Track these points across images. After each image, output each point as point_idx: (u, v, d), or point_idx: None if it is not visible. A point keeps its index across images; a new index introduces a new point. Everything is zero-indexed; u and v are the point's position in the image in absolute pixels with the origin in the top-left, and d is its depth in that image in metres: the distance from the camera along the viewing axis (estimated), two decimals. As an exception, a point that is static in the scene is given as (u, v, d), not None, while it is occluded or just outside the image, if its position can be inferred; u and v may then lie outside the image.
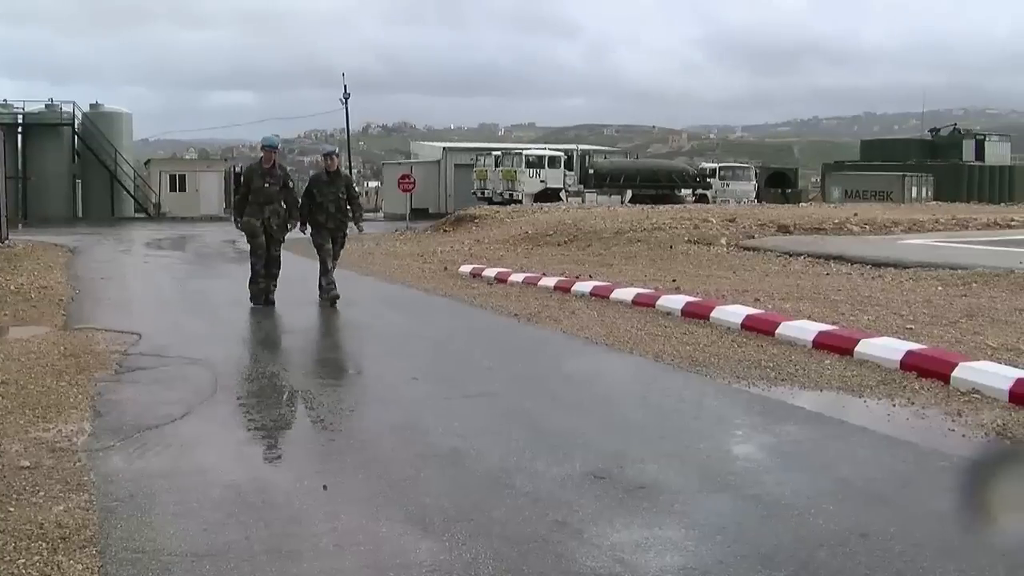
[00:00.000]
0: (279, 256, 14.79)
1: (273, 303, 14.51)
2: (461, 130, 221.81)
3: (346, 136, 68.55)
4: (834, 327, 11.01)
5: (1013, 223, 29.54)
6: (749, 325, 11.60)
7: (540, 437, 7.36)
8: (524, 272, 17.96)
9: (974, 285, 14.84)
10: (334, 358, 10.88)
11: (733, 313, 12.11)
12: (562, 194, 48.66)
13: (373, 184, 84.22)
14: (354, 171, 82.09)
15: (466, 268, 19.36)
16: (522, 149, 54.32)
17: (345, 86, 59.69)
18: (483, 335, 12.42)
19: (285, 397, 9.02)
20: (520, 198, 47.24)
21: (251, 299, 14.62)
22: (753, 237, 24.24)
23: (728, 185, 55.43)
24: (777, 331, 11.11)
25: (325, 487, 6.15)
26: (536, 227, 28.02)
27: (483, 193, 50.57)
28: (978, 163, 58.72)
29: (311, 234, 15.02)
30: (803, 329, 10.93)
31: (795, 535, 5.31)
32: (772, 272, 18.08)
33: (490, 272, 18.32)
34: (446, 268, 20.21)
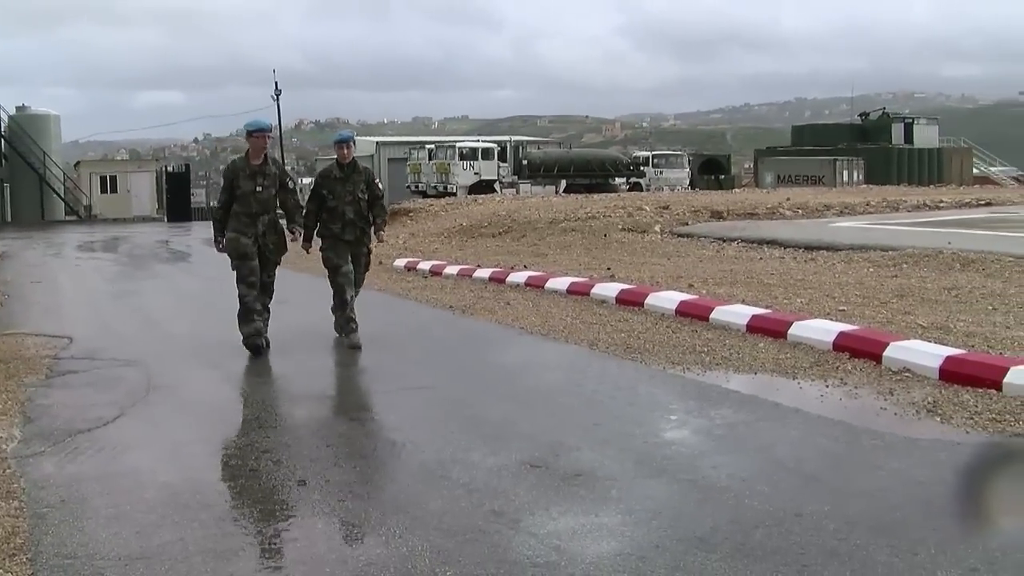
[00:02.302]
0: (273, 283, 11.04)
1: (268, 346, 10.78)
2: (395, 124, 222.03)
3: (279, 133, 67.90)
4: (768, 311, 11.10)
5: (942, 204, 30.02)
6: (683, 311, 11.66)
7: (476, 428, 7.36)
8: (459, 264, 17.96)
9: (905, 266, 15.04)
10: (268, 355, 10.78)
11: (667, 299, 12.16)
12: (496, 185, 48.85)
13: (307, 180, 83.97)
14: (288, 168, 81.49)
15: (401, 262, 19.31)
16: (455, 142, 54.36)
17: (276, 83, 59.27)
18: (419, 328, 12.38)
19: (218, 395, 8.92)
20: (454, 191, 47.33)
21: (246, 343, 10.57)
22: (687, 224, 24.37)
23: (662, 173, 55.98)
24: (711, 316, 11.18)
25: (259, 484, 6.10)
26: (470, 219, 27.98)
27: (417, 187, 50.67)
28: (907, 146, 59.57)
29: (322, 249, 11.27)
30: (737, 313, 11.00)
31: (731, 517, 5.35)
32: (706, 258, 18.20)
33: (425, 265, 18.29)
34: (380, 262, 20.03)
